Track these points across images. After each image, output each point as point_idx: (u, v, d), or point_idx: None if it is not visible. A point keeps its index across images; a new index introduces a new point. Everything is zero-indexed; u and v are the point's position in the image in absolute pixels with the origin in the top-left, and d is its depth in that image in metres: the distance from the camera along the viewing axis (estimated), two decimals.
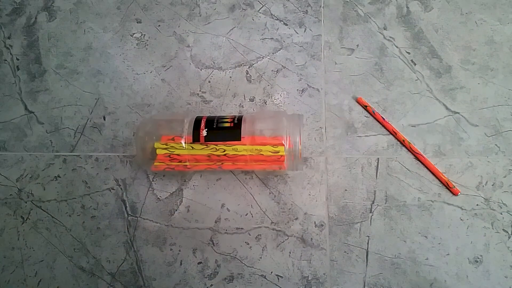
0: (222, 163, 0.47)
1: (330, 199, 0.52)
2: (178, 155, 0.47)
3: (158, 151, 0.46)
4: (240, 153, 0.46)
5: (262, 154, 0.46)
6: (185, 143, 0.46)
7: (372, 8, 0.56)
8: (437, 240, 0.50)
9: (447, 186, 0.50)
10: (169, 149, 0.46)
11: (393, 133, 0.52)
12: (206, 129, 0.46)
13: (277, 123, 0.47)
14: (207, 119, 0.47)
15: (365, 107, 0.52)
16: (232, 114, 0.49)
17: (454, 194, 0.50)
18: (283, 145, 0.46)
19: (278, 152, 0.46)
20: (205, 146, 0.46)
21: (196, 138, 0.46)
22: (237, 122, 0.46)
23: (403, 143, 0.52)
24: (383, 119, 0.52)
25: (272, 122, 0.48)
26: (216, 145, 0.46)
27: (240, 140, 0.46)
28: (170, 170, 0.49)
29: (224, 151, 0.46)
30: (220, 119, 0.47)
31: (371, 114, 0.52)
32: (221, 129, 0.46)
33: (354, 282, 0.50)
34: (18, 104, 0.56)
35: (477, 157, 0.52)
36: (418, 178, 0.52)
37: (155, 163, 0.47)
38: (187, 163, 0.47)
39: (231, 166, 0.48)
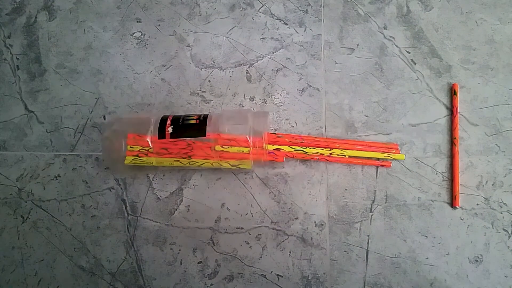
0: (191, 159, 0.48)
1: (330, 199, 0.52)
2: (146, 154, 0.47)
3: (128, 148, 0.47)
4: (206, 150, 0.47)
5: (228, 152, 0.47)
6: (151, 141, 0.47)
7: (372, 8, 0.56)
8: (437, 239, 0.50)
9: (454, 195, 0.50)
10: (139, 150, 0.47)
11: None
12: (172, 126, 0.46)
13: (242, 120, 0.48)
14: (173, 118, 0.48)
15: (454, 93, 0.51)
16: (198, 113, 0.50)
17: (454, 205, 0.50)
18: (248, 142, 0.46)
19: (244, 149, 0.47)
20: (173, 145, 0.47)
21: (162, 135, 0.46)
22: (203, 119, 0.47)
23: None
24: None
25: (238, 119, 0.48)
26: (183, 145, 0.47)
27: (205, 135, 0.46)
28: (142, 164, 0.49)
29: (192, 149, 0.47)
30: (186, 117, 0.48)
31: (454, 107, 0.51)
32: (187, 126, 0.47)
33: (354, 281, 0.50)
34: (18, 104, 0.56)
35: (477, 157, 0.52)
36: (418, 178, 0.52)
37: (125, 160, 0.48)
38: (153, 160, 0.48)
39: (200, 158, 0.48)
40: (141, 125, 0.48)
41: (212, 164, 0.48)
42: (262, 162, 0.49)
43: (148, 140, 0.47)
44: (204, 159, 0.48)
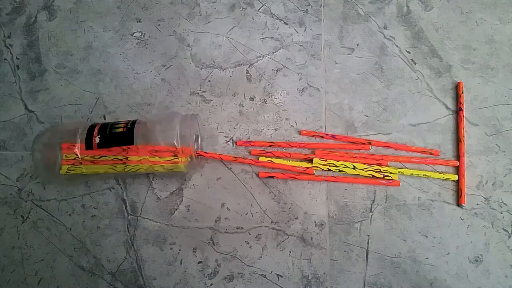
0: (126, 165, 0.47)
1: (330, 199, 0.52)
2: (80, 163, 0.47)
3: (64, 157, 0.46)
4: (137, 159, 0.46)
5: (159, 160, 0.46)
6: (79, 151, 0.46)
7: (372, 7, 0.56)
8: (437, 239, 0.50)
9: (460, 192, 0.50)
10: (74, 158, 0.46)
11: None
12: (99, 136, 0.46)
13: (170, 125, 0.46)
14: (101, 126, 0.47)
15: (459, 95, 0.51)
16: (127, 119, 0.49)
17: (460, 203, 0.50)
18: (175, 148, 0.45)
19: (173, 156, 0.46)
20: (107, 157, 0.46)
21: (89, 146, 0.46)
22: (130, 127, 0.46)
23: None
24: None
25: (165, 125, 0.47)
26: (114, 154, 0.46)
27: (133, 144, 0.45)
28: (77, 173, 0.48)
29: (126, 157, 0.46)
30: (114, 125, 0.47)
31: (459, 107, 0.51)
32: (114, 135, 0.46)
33: (354, 281, 0.50)
34: (18, 104, 0.56)
35: (477, 157, 0.52)
36: (418, 177, 0.52)
37: (61, 170, 0.47)
38: (83, 168, 0.47)
39: (134, 163, 0.47)
40: (71, 134, 0.47)
41: (146, 169, 0.48)
42: (195, 164, 0.49)
43: (76, 150, 0.46)
44: (139, 163, 0.47)
